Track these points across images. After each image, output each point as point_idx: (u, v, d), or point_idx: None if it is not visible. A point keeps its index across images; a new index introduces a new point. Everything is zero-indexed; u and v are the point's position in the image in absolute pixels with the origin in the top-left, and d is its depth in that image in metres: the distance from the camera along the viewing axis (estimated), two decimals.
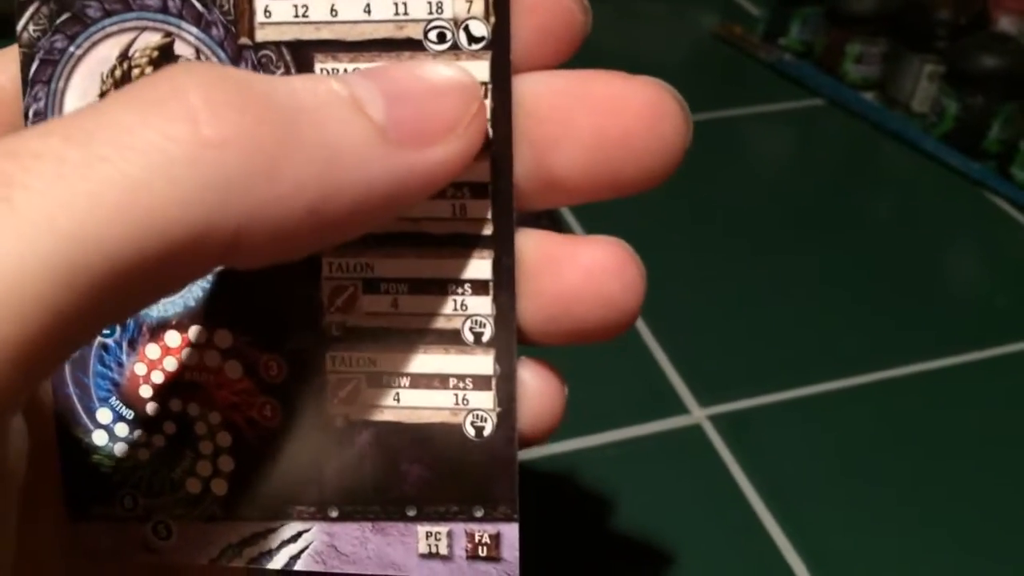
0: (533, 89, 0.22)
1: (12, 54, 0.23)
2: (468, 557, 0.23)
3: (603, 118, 0.22)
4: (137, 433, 0.24)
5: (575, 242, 0.23)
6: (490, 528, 0.23)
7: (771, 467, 0.47)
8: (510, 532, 0.23)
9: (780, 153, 0.75)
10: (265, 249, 0.18)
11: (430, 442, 0.23)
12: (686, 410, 0.50)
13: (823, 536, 0.44)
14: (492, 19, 0.22)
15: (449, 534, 0.24)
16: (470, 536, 0.23)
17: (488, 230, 0.22)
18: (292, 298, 0.23)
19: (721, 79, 0.81)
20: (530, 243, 0.23)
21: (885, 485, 0.47)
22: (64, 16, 0.23)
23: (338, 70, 0.22)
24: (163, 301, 0.23)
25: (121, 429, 0.24)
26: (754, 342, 0.55)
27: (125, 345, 0.24)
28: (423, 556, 0.24)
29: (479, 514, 0.23)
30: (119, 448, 0.24)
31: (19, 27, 0.23)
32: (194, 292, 0.23)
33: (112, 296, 0.16)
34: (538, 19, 0.22)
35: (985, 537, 0.45)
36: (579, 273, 0.23)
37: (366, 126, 0.19)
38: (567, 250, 0.23)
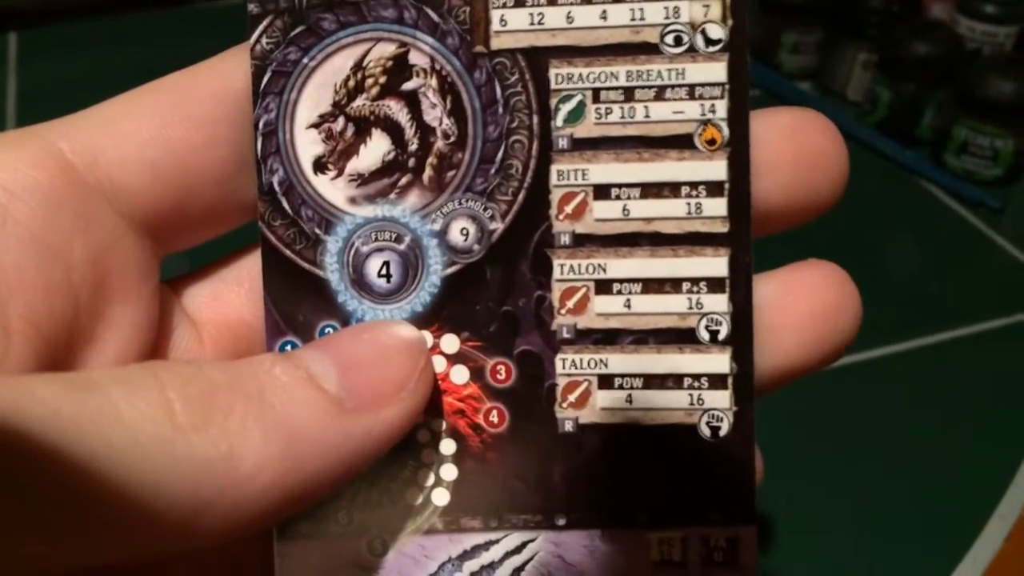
0: None
1: (246, 51, 0.23)
2: (703, 564, 0.23)
3: (799, 141, 0.23)
4: None
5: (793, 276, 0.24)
6: (726, 532, 0.23)
7: None
8: (748, 536, 0.23)
9: None
10: (227, 527, 0.18)
11: (663, 444, 0.23)
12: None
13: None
14: (730, 22, 0.22)
15: (683, 540, 0.23)
16: (705, 541, 0.23)
17: (724, 227, 0.23)
18: (522, 301, 0.23)
19: None
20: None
21: (816, 480, 0.48)
22: (299, 29, 0.23)
23: (573, 75, 0.23)
24: (389, 307, 0.23)
25: None
26: None
27: None
28: (656, 564, 0.23)
29: (715, 518, 0.23)
30: None
31: (252, 40, 0.23)
32: (421, 298, 0.23)
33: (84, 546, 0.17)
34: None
35: (912, 526, 0.46)
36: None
37: (322, 400, 0.20)
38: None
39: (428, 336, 0.23)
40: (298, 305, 0.23)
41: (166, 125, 0.22)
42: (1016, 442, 0.50)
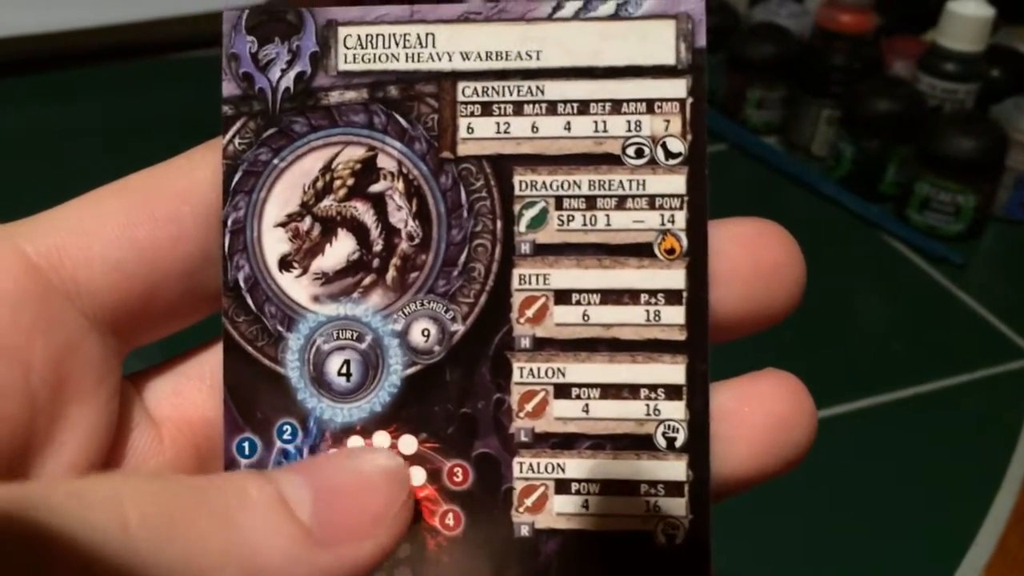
0: None
1: (213, 149, 0.24)
2: None
3: (757, 253, 0.23)
4: None
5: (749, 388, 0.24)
6: None
7: None
8: None
9: None
10: None
11: (619, 551, 0.23)
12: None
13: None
14: (689, 136, 0.23)
15: None
16: None
17: (682, 336, 0.23)
18: (481, 403, 0.23)
19: None
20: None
21: (773, 536, 0.48)
22: (271, 131, 0.23)
23: (536, 183, 0.23)
24: (348, 406, 0.23)
25: None
26: None
27: (306, 451, 0.23)
28: None
29: None
30: None
31: (224, 140, 0.23)
32: (381, 397, 0.23)
33: None
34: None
35: None
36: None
37: (292, 530, 0.19)
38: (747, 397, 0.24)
39: (386, 436, 0.23)
40: (257, 402, 0.24)
41: (131, 224, 0.22)
42: (978, 500, 0.51)
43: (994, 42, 0.76)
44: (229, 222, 0.23)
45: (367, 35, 0.23)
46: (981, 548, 0.48)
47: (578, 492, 0.23)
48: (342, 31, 0.23)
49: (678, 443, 0.23)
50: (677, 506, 0.23)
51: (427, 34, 0.23)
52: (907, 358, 0.60)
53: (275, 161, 0.23)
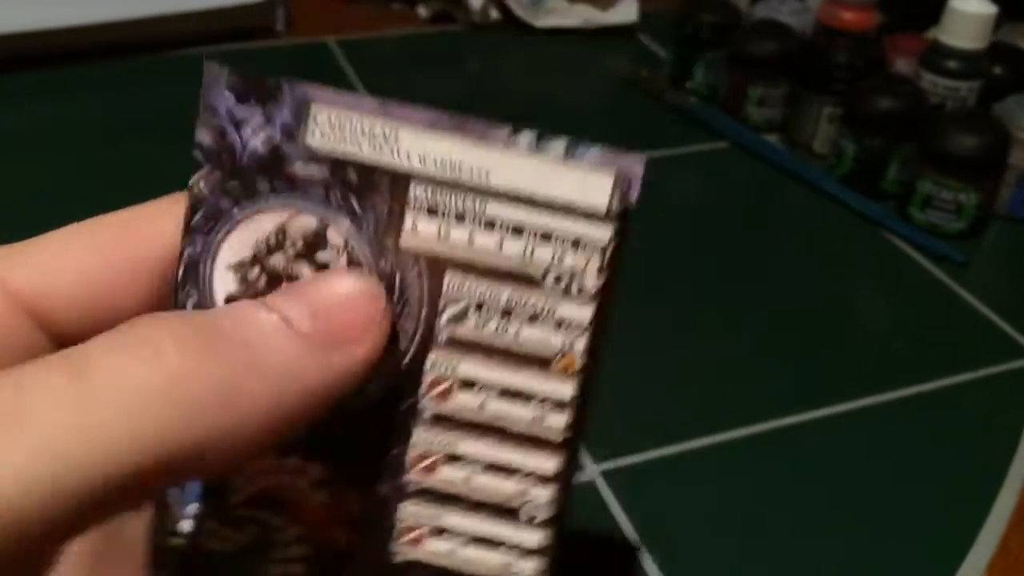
0: None
1: (178, 202, 0.26)
2: None
3: None
4: (221, 529, 0.28)
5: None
6: None
7: (665, 525, 0.48)
8: None
9: (685, 197, 0.75)
10: (229, 456, 0.22)
11: None
12: (579, 467, 0.50)
13: None
14: (603, 276, 0.25)
15: None
16: None
17: (560, 438, 0.26)
18: (383, 452, 0.27)
19: (630, 123, 0.82)
20: None
21: (774, 536, 0.48)
22: (234, 183, 0.26)
23: (463, 286, 0.26)
24: None
25: (210, 524, 0.28)
26: (651, 393, 0.55)
27: None
28: None
29: None
30: (205, 539, 0.28)
31: (192, 180, 0.26)
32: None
33: (97, 508, 0.20)
34: None
35: None
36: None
37: (299, 342, 0.23)
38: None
39: (298, 459, 0.27)
40: None
41: (101, 266, 0.26)
42: (980, 500, 0.51)
43: (996, 39, 0.73)
44: (185, 255, 0.26)
45: (337, 118, 0.25)
46: (983, 548, 0.48)
47: (450, 540, 0.27)
48: (315, 108, 0.25)
49: (537, 520, 0.27)
50: (530, 567, 0.27)
51: (392, 131, 0.25)
52: (908, 357, 0.60)
53: (234, 211, 0.26)
